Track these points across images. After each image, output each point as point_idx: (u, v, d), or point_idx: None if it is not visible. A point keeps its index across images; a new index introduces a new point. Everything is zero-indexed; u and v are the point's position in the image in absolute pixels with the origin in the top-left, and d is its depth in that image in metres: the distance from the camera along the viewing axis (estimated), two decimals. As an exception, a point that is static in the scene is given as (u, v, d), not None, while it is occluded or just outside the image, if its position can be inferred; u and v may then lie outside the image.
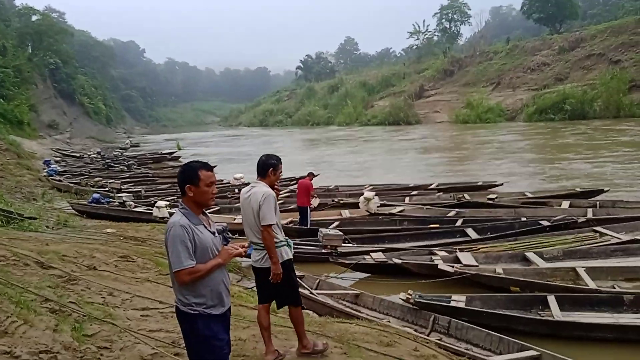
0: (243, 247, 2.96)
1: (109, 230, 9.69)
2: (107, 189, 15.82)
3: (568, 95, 38.36)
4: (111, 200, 13.28)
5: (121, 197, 12.67)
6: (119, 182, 17.01)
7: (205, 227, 2.83)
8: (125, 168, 24.27)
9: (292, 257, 4.19)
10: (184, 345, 4.16)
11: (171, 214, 10.91)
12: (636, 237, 7.90)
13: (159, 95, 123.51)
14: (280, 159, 4.31)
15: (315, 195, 11.06)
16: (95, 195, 13.51)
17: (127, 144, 43.19)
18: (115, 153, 33.04)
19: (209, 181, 2.85)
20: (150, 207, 11.92)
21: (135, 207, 12.40)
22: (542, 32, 60.93)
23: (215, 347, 2.81)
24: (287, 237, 4.24)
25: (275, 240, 4.01)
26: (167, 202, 12.08)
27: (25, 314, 4.15)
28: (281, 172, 4.30)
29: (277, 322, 4.99)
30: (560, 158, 19.91)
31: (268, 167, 4.20)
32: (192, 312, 2.74)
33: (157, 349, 4.06)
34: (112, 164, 25.79)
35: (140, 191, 15.03)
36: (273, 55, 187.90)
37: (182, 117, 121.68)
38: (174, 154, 30.42)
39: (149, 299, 5.36)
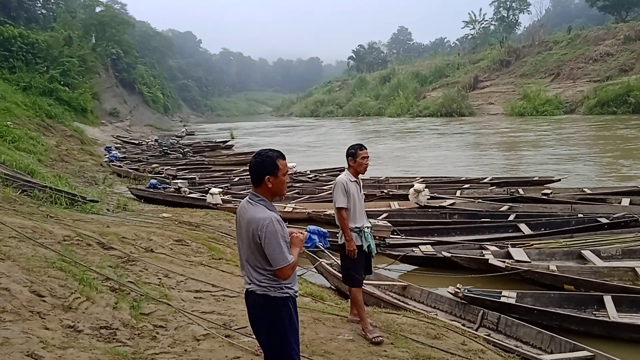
0: (301, 232, 3.02)
1: (164, 214, 10.07)
2: (163, 175, 16.37)
3: (633, 87, 36.35)
4: (167, 186, 13.75)
5: (177, 183, 13.08)
6: (175, 169, 17.56)
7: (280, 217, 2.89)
8: (181, 155, 25.01)
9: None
10: (235, 327, 4.37)
11: (225, 201, 11.30)
12: None
13: (214, 85, 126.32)
14: (359, 146, 4.82)
15: None
16: (153, 181, 14.04)
17: (182, 132, 44.37)
18: (171, 141, 34.10)
19: (286, 170, 2.89)
20: (204, 194, 12.27)
21: (190, 193, 12.79)
22: (607, 20, 57.86)
23: (297, 328, 2.91)
24: (362, 226, 4.72)
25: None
26: (221, 189, 12.41)
27: (88, 291, 4.42)
28: (364, 157, 4.78)
29: (325, 310, 5.08)
30: (621, 153, 18.99)
31: (347, 156, 4.81)
32: (284, 295, 2.81)
33: (209, 330, 4.23)
34: (169, 152, 26.63)
35: (194, 178, 15.47)
36: (325, 46, 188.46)
37: (235, 106, 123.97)
38: (227, 143, 31.06)
39: (202, 281, 5.56)
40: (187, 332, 4.22)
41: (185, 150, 26.90)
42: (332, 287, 6.71)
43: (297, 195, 12.86)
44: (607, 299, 5.49)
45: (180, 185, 12.85)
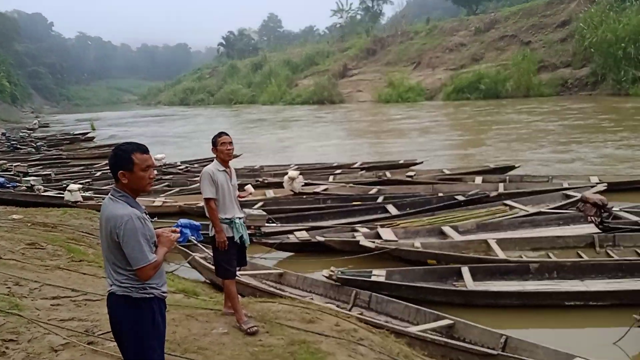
0: (173, 232, 2.84)
1: (15, 216, 9.03)
2: (12, 172, 14.73)
3: (483, 75, 40.16)
4: (18, 184, 12.39)
5: (29, 180, 11.83)
6: (26, 165, 15.90)
7: (146, 214, 2.68)
8: (34, 150, 22.70)
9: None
10: (99, 333, 4.04)
11: (85, 198, 10.44)
12: (541, 210, 8.46)
13: (70, 72, 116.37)
14: (218, 134, 4.70)
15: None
16: (-1, 179, 12.56)
17: (34, 124, 40.48)
18: (21, 134, 30.95)
19: (145, 165, 2.64)
20: (61, 191, 11.24)
21: (45, 191, 11.64)
22: (460, 13, 63.10)
23: (162, 331, 2.72)
24: (233, 216, 4.60)
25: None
26: (81, 186, 11.46)
27: None
28: (223, 143, 4.64)
29: (198, 305, 4.91)
30: (475, 136, 20.90)
31: (211, 145, 4.70)
32: (147, 296, 2.61)
33: (68, 339, 3.87)
34: (18, 146, 24.11)
35: (50, 174, 14.12)
36: (194, 32, 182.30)
37: (96, 95, 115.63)
38: (88, 135, 28.83)
39: (60, 287, 5.07)
40: (43, 343, 3.83)
41: (38, 144, 24.42)
42: (207, 280, 6.52)
43: (167, 188, 12.30)
44: (465, 270, 5.98)
45: (32, 182, 11.63)
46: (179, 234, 2.91)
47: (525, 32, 43.97)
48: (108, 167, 2.77)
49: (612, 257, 6.53)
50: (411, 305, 5.21)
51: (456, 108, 34.17)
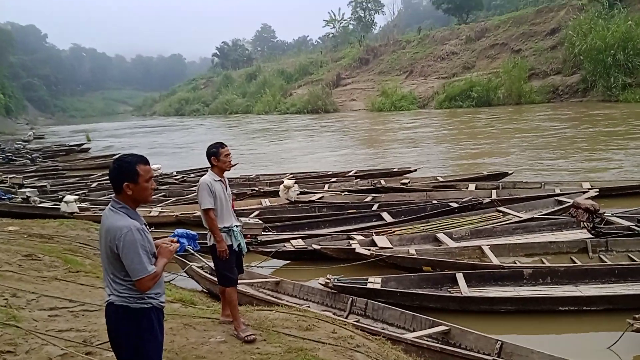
0: (172, 241, 2.88)
1: (11, 228, 9.03)
2: (7, 184, 14.71)
3: (475, 83, 40.43)
4: (13, 196, 12.38)
5: (24, 192, 11.83)
6: (22, 176, 15.85)
7: (145, 225, 2.72)
8: (29, 162, 22.68)
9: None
10: (96, 343, 4.06)
11: (82, 209, 10.45)
12: (534, 216, 8.55)
13: (65, 83, 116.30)
14: (220, 144, 4.75)
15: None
16: (-6, 192, 12.54)
17: (29, 135, 40.40)
18: (16, 146, 30.86)
19: (148, 176, 2.69)
20: (57, 203, 11.25)
21: (41, 202, 11.65)
22: (451, 22, 63.61)
23: (160, 341, 2.75)
24: (231, 225, 4.67)
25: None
26: (77, 197, 11.47)
27: None
28: (227, 154, 4.72)
29: (196, 314, 4.94)
30: (468, 143, 21.03)
31: (209, 156, 4.71)
32: (145, 306, 2.64)
33: (66, 350, 3.89)
34: (14, 158, 24.05)
35: (45, 186, 14.12)
36: (188, 42, 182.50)
37: (91, 106, 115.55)
38: (83, 146, 28.81)
39: (57, 298, 5.09)
40: (41, 354, 3.85)
41: (33, 155, 24.45)
42: (204, 290, 6.55)
43: (163, 199, 12.33)
44: (459, 276, 6.04)
45: (28, 194, 11.64)
46: (177, 245, 2.95)
47: (516, 40, 44.34)
48: (105, 178, 2.82)
49: (605, 262, 6.61)
50: (407, 312, 5.25)
51: (449, 116, 34.37)
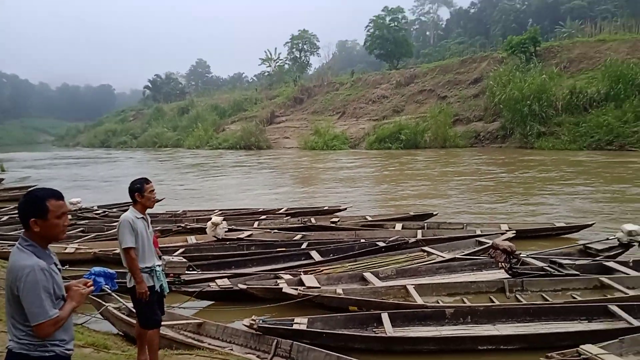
0: (86, 283, 2.70)
1: None
2: None
3: (403, 126, 42.09)
4: None
5: None
6: None
7: (56, 265, 2.53)
8: None
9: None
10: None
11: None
12: (456, 256, 8.84)
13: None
14: (144, 180, 4.63)
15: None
16: None
17: None
18: None
19: (60, 212, 2.51)
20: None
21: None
22: (382, 67, 66.37)
23: None
24: (153, 265, 4.54)
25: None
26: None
27: None
28: (151, 190, 4.61)
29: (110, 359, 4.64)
30: (396, 184, 21.63)
31: (133, 192, 4.57)
32: (47, 355, 2.43)
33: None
34: None
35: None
36: (119, 73, 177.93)
37: (8, 134, 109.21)
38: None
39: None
40: None
41: None
42: (120, 332, 6.17)
43: (82, 234, 11.69)
44: (384, 316, 6.07)
45: None
46: (92, 287, 2.77)
47: (442, 87, 46.86)
48: (17, 213, 2.63)
49: (521, 301, 6.89)
50: (332, 353, 5.19)
51: (378, 157, 35.34)
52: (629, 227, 8.67)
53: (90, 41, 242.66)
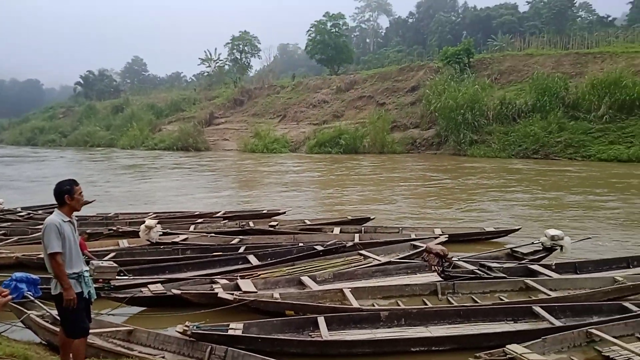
0: (2, 293, 2.52)
1: None
2: None
3: (343, 131, 42.70)
4: None
5: None
6: None
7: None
8: None
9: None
10: None
11: None
12: (391, 259, 9.03)
13: None
14: (73, 181, 4.40)
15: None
16: None
17: None
18: None
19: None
20: None
21: None
22: (323, 72, 66.96)
23: None
24: (81, 270, 4.34)
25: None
26: None
27: None
28: (81, 193, 4.40)
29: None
30: (334, 188, 21.85)
31: (61, 194, 4.31)
32: None
33: None
34: None
35: None
36: (48, 67, 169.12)
37: None
38: None
39: None
40: None
41: None
42: (43, 341, 5.84)
43: (3, 237, 10.99)
44: (321, 320, 6.09)
45: None
46: (10, 296, 2.61)
47: (381, 94, 47.91)
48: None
49: (452, 303, 7.13)
50: (268, 358, 5.14)
51: (323, 161, 35.57)
52: (552, 232, 9.16)
53: (17, 32, 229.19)
